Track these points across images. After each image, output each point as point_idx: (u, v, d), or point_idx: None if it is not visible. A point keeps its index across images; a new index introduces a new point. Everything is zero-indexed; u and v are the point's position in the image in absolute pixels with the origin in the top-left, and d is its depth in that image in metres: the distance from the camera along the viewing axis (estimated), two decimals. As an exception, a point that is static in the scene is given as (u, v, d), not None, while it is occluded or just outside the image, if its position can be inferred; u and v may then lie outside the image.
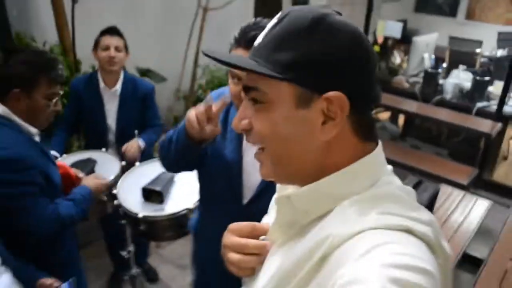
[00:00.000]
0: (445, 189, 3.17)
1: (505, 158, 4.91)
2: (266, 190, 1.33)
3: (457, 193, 3.18)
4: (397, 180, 0.71)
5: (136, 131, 2.35)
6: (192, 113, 1.21)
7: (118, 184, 2.11)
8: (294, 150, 0.67)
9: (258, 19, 1.22)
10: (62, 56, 3.15)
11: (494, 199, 3.99)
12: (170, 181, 2.09)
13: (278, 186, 0.84)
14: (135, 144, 2.47)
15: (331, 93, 0.62)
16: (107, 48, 2.41)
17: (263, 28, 1.13)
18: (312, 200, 0.68)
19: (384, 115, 5.66)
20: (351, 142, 0.67)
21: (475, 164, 4.08)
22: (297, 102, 0.65)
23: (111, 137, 2.59)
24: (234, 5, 3.69)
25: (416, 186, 2.36)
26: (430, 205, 2.40)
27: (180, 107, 4.16)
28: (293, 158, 0.68)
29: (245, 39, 1.18)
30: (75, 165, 2.20)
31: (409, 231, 0.59)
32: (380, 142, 0.72)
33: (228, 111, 1.44)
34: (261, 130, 0.68)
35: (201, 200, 1.58)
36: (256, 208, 1.22)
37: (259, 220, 1.32)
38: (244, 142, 1.39)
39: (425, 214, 0.63)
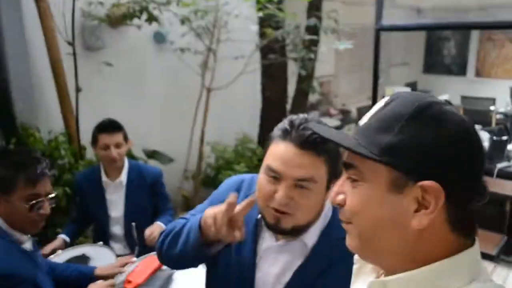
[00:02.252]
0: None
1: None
2: None
3: (487, 266, 2.93)
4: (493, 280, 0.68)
5: (133, 224, 2.22)
6: (209, 213, 1.04)
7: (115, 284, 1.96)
8: (382, 232, 0.67)
9: (310, 117, 1.10)
10: (67, 144, 3.15)
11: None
12: (168, 281, 1.92)
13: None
14: (158, 228, 2.28)
15: (426, 182, 0.62)
16: (106, 147, 2.32)
17: (315, 133, 1.01)
18: None
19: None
20: (444, 235, 0.65)
21: (504, 230, 3.82)
22: (390, 186, 0.65)
23: (118, 229, 2.48)
24: (238, 82, 3.70)
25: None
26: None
27: (189, 187, 4.08)
28: (380, 240, 0.67)
29: (300, 137, 1.04)
30: (67, 262, 2.09)
31: None
32: (477, 239, 0.68)
33: (249, 192, 1.25)
34: (352, 207, 0.69)
35: None
36: None
37: None
38: (263, 243, 1.20)
39: None
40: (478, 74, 7.50)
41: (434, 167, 0.62)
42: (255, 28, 3.95)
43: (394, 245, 0.67)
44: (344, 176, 0.73)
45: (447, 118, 0.64)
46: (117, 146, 2.34)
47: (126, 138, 2.42)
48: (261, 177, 1.10)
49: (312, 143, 1.03)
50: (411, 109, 0.64)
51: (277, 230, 1.11)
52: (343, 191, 0.72)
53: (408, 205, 0.64)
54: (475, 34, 7.41)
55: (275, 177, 1.06)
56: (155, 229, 2.27)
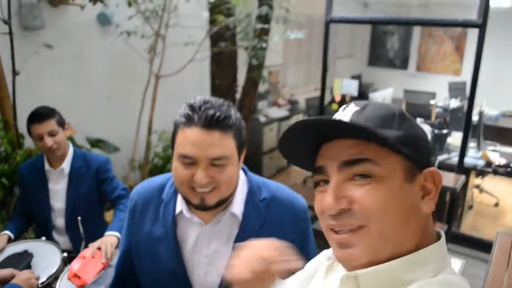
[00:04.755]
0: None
1: (470, 207, 4.90)
2: None
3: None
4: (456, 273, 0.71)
5: (79, 218, 2.09)
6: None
7: (59, 281, 1.84)
8: (400, 225, 0.67)
9: (207, 98, 1.12)
10: (3, 132, 2.92)
11: (465, 252, 3.94)
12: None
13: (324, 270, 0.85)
14: (110, 238, 2.02)
15: (431, 169, 0.69)
16: (40, 138, 2.20)
17: (219, 107, 1.04)
18: (380, 281, 0.67)
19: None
20: (430, 221, 0.71)
21: (443, 218, 4.01)
22: (405, 176, 0.67)
23: (60, 221, 2.34)
24: (187, 69, 3.59)
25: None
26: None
27: (135, 177, 3.94)
28: (398, 234, 0.67)
29: (204, 118, 1.05)
30: (8, 259, 1.95)
31: None
32: (443, 233, 0.73)
33: (161, 203, 1.25)
34: (371, 206, 0.65)
35: None
36: None
37: None
38: (190, 236, 1.22)
39: None
40: (419, 68, 7.80)
41: (428, 156, 0.72)
42: (205, 14, 3.84)
43: (407, 237, 0.68)
44: (340, 178, 0.68)
45: (412, 118, 0.74)
46: (51, 134, 2.21)
47: (61, 124, 2.28)
48: (176, 165, 1.11)
49: (217, 122, 1.07)
50: (394, 110, 0.71)
51: (204, 208, 1.13)
52: (344, 194, 0.67)
53: (417, 193, 0.69)
54: (417, 30, 7.69)
55: (191, 162, 1.08)
56: (107, 244, 1.95)
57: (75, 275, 1.77)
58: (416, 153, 0.68)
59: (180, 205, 1.21)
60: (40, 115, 2.21)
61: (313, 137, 0.72)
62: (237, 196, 1.20)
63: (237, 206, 1.19)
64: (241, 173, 1.25)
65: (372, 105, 0.72)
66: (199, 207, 1.13)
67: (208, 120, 1.05)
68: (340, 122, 0.67)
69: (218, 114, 1.06)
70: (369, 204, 0.65)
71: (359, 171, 0.67)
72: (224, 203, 1.16)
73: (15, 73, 2.89)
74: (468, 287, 0.67)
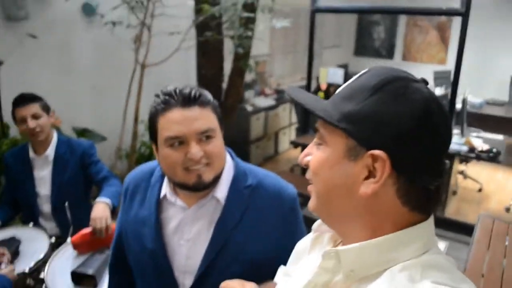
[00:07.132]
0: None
1: (454, 193, 4.99)
2: (208, 273, 1.17)
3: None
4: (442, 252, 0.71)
5: (66, 203, 2.11)
6: None
7: (47, 266, 1.86)
8: (334, 196, 0.70)
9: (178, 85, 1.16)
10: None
11: (448, 236, 4.02)
12: (107, 261, 1.86)
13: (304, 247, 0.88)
14: (101, 206, 2.06)
15: (375, 151, 0.64)
16: (23, 120, 2.22)
17: (191, 87, 1.09)
18: (362, 259, 0.67)
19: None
20: (394, 208, 0.67)
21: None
22: (345, 153, 0.67)
23: (46, 207, 2.36)
24: (173, 59, 3.60)
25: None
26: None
27: (122, 166, 3.95)
28: (333, 203, 0.71)
29: (182, 98, 1.10)
30: (-4, 246, 1.96)
31: None
32: (432, 214, 0.70)
33: (149, 186, 1.28)
34: (312, 167, 0.73)
35: None
36: None
37: None
38: (171, 221, 1.22)
39: (471, 286, 0.63)
40: (404, 58, 7.87)
41: (385, 139, 0.64)
42: (191, 3, 3.85)
43: (345, 211, 0.70)
44: (314, 140, 0.75)
45: (408, 94, 0.64)
46: (35, 117, 2.23)
47: (46, 110, 2.31)
48: (165, 151, 1.12)
49: (194, 98, 1.11)
50: (374, 81, 0.66)
51: (202, 186, 1.14)
52: (311, 153, 0.75)
53: (359, 172, 0.66)
54: (402, 20, 7.75)
55: (180, 142, 1.10)
56: (98, 211, 2.03)
57: (77, 244, 1.89)
58: (362, 131, 0.65)
59: (165, 189, 1.22)
60: (24, 98, 2.25)
61: None
62: (222, 181, 1.20)
63: (221, 191, 1.20)
64: (228, 158, 1.25)
65: (371, 72, 0.70)
66: (197, 186, 1.13)
67: (186, 98, 1.10)
68: (294, 99, 0.75)
69: (194, 91, 1.11)
70: (311, 165, 0.74)
71: (316, 138, 0.74)
72: (218, 180, 1.18)
73: (-1, 62, 2.88)
74: (453, 266, 0.68)
